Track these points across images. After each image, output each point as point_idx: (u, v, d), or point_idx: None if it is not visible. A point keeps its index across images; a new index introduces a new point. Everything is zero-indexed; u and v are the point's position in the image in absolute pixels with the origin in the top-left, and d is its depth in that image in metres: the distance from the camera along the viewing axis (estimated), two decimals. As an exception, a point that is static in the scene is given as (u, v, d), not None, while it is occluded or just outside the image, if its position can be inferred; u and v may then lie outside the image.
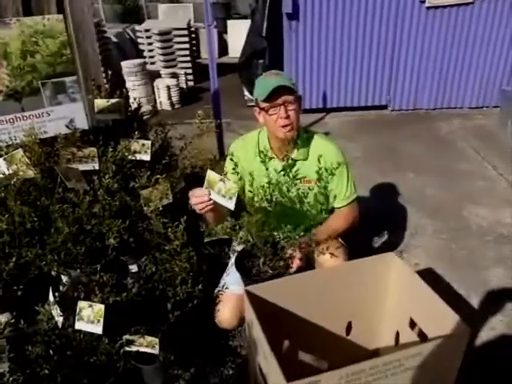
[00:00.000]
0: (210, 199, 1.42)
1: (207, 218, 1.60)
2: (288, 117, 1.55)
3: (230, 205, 1.39)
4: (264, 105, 1.58)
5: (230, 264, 1.79)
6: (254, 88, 1.63)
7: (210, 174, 1.41)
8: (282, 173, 1.51)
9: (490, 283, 2.28)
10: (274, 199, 1.47)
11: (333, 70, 4.76)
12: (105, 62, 5.46)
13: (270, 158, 1.55)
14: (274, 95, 1.53)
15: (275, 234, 1.50)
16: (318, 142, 1.70)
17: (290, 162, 1.54)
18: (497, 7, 4.47)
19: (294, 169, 1.53)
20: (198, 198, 1.45)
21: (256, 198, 1.47)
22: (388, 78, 4.84)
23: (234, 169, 1.55)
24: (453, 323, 1.20)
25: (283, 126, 1.56)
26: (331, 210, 1.73)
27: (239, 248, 1.63)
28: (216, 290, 1.69)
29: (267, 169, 1.50)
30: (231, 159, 1.57)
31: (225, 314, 1.64)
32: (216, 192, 1.41)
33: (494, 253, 2.52)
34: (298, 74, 4.74)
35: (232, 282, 1.66)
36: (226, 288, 1.67)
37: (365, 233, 2.67)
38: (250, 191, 1.52)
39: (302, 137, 1.66)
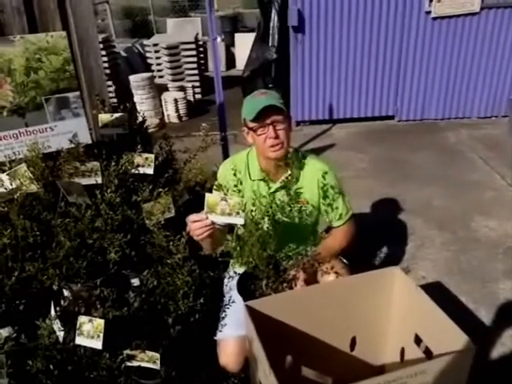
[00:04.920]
0: (211, 223, 1.36)
1: (204, 245, 1.52)
2: (277, 136, 1.52)
3: (240, 220, 1.32)
4: (252, 125, 1.54)
5: (226, 299, 1.70)
6: (242, 108, 1.59)
7: (210, 197, 1.33)
8: (281, 192, 1.49)
9: (500, 296, 2.23)
10: (275, 218, 1.44)
11: (339, 80, 4.77)
12: (113, 77, 5.57)
13: (263, 179, 1.53)
14: (262, 115, 1.49)
15: (277, 255, 1.48)
16: (311, 163, 1.67)
17: (283, 181, 1.51)
18: (503, 16, 4.46)
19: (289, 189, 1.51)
20: (196, 224, 1.38)
21: (250, 219, 1.41)
22: (395, 88, 4.84)
23: (235, 185, 1.51)
24: (458, 340, 1.17)
25: (272, 146, 1.53)
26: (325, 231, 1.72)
27: (240, 271, 1.60)
28: (217, 334, 1.61)
29: (270, 188, 1.48)
30: (219, 183, 1.49)
31: (227, 360, 1.57)
32: (219, 213, 1.33)
33: (504, 265, 2.48)
34: (304, 86, 4.76)
35: (231, 324, 1.59)
36: (225, 332, 1.60)
37: (370, 245, 2.65)
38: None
39: (293, 157, 1.63)
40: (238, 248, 1.44)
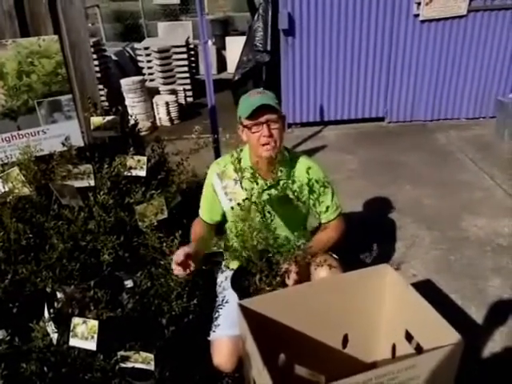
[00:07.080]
0: (187, 260, 1.42)
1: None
2: (271, 135, 1.55)
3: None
4: (247, 122, 1.57)
5: (219, 299, 1.71)
6: (238, 106, 1.63)
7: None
8: (272, 190, 1.51)
9: (489, 294, 2.27)
10: (266, 215, 1.46)
11: (329, 83, 4.80)
12: (104, 80, 5.55)
13: (255, 177, 1.56)
14: (257, 113, 1.53)
15: (270, 248, 1.50)
16: (301, 162, 1.72)
17: (274, 180, 1.54)
18: (490, 19, 4.53)
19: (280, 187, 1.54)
20: (179, 267, 1.42)
21: (240, 216, 1.44)
22: (384, 90, 4.89)
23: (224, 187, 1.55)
24: (448, 336, 1.19)
25: (265, 144, 1.56)
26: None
27: (233, 266, 1.61)
28: (210, 334, 1.62)
29: (261, 186, 1.51)
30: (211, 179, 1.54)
31: (221, 360, 1.57)
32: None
33: (493, 263, 2.52)
34: (294, 88, 4.79)
35: (224, 324, 1.60)
36: (218, 332, 1.60)
37: (361, 244, 2.67)
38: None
39: (285, 156, 1.66)
40: (231, 243, 1.47)
